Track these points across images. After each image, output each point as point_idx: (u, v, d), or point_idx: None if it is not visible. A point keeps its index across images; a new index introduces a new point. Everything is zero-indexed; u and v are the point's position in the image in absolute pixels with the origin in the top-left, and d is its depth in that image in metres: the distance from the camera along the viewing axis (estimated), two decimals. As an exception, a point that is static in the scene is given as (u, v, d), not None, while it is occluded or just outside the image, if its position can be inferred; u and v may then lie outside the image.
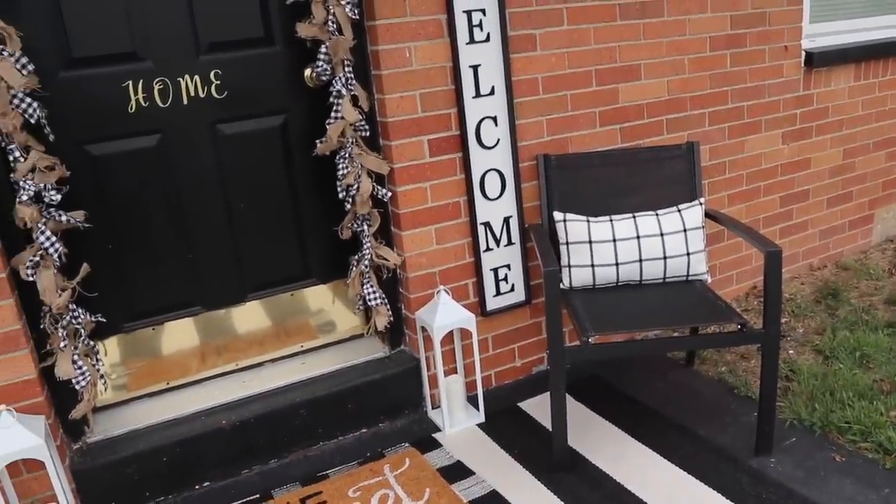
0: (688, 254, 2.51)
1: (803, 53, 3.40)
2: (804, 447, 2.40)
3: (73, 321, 2.18)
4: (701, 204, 2.58)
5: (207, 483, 2.42)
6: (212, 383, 2.61)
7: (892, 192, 4.04)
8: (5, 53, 1.92)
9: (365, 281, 2.58)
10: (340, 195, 2.49)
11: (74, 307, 2.18)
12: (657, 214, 2.56)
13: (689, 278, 2.56)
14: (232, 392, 2.56)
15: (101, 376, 2.34)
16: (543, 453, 2.45)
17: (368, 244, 2.54)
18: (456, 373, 2.76)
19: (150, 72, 2.29)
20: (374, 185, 2.48)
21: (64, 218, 2.11)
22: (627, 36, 2.85)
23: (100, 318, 2.29)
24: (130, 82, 2.27)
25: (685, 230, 2.52)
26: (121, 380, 2.49)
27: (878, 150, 3.87)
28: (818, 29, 3.54)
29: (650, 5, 2.87)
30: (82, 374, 2.20)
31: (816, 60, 3.41)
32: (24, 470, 2.13)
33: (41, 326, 2.15)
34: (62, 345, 2.14)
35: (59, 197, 2.07)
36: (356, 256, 2.59)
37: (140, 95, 2.29)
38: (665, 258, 2.51)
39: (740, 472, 2.30)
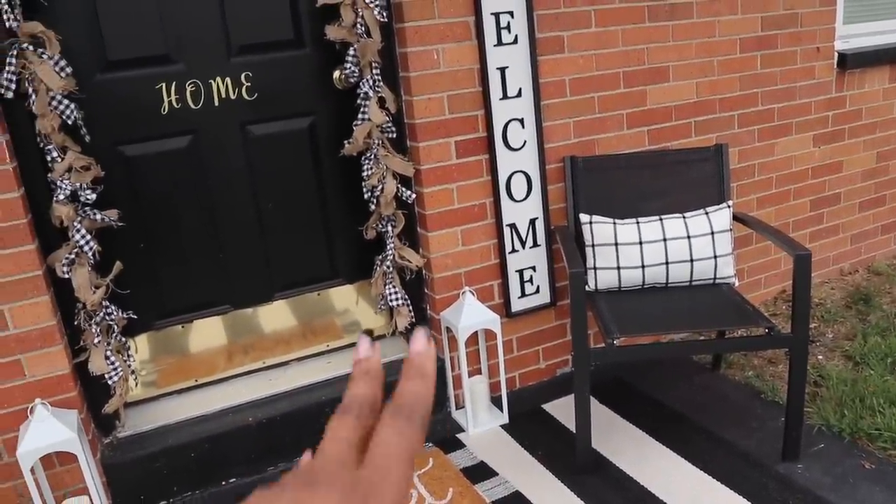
0: (715, 257, 2.50)
1: (836, 55, 3.35)
2: (832, 453, 2.38)
3: (107, 318, 2.23)
4: (729, 207, 2.57)
5: (234, 479, 2.45)
6: (239, 381, 2.65)
7: (926, 195, 3.97)
8: (45, 56, 1.97)
9: (388, 281, 2.60)
10: (365, 196, 2.52)
11: (107, 304, 2.23)
12: (684, 217, 2.55)
13: (717, 281, 2.54)
14: (259, 390, 2.60)
15: (132, 372, 2.39)
16: (567, 455, 2.45)
17: (392, 245, 2.56)
18: (480, 374, 2.77)
19: (183, 74, 2.33)
20: (398, 187, 2.50)
21: (98, 217, 2.16)
22: (656, 38, 2.84)
23: (131, 315, 2.34)
24: (164, 84, 2.31)
25: (713, 233, 2.51)
26: (151, 376, 2.54)
27: (912, 153, 3.81)
28: (852, 30, 3.49)
29: (679, 7, 2.86)
30: (114, 369, 2.25)
31: (850, 62, 3.36)
32: (56, 463, 2.18)
33: (75, 323, 2.20)
34: (95, 341, 2.19)
35: (94, 196, 2.12)
36: (380, 257, 2.61)
37: (173, 97, 2.33)
38: (692, 261, 2.49)
39: (767, 477, 2.28)
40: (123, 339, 2.33)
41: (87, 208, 2.14)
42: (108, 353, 2.23)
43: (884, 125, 3.64)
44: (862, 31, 3.54)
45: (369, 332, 2.55)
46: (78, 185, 2.08)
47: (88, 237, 2.11)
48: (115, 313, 2.25)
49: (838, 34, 3.35)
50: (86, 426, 2.22)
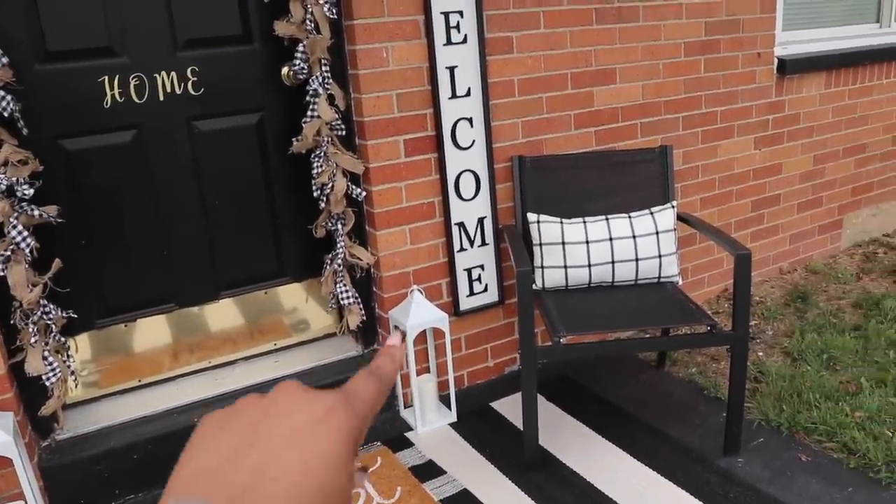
0: (659, 256, 2.55)
1: (776, 60, 3.45)
2: (771, 447, 2.45)
3: (44, 317, 2.17)
4: (673, 207, 2.62)
5: (179, 481, 2.40)
6: (185, 381, 2.61)
7: (860, 198, 4.11)
8: (-23, 46, 1.90)
9: (338, 280, 2.59)
10: (315, 194, 2.50)
11: (46, 303, 2.17)
12: (630, 217, 2.60)
13: (661, 280, 2.60)
14: (205, 390, 2.56)
15: (72, 373, 2.32)
16: (515, 453, 2.47)
17: (342, 243, 2.54)
18: (428, 372, 2.77)
19: (127, 67, 2.28)
20: (348, 185, 2.49)
21: (36, 212, 2.10)
22: (603, 40, 2.89)
23: (71, 314, 2.28)
24: (106, 77, 2.26)
25: (657, 233, 2.55)
26: (92, 377, 2.48)
27: (847, 156, 3.94)
28: (791, 37, 3.60)
29: (626, 10, 2.91)
30: (52, 370, 2.19)
31: (788, 67, 3.47)
32: (-9, 466, 2.11)
33: (11, 322, 2.14)
34: (32, 340, 2.13)
35: (31, 191, 2.06)
36: (330, 255, 2.60)
37: (116, 91, 2.28)
38: (637, 260, 2.54)
39: (709, 471, 2.33)
40: (62, 338, 2.27)
41: (24, 203, 2.07)
42: (46, 353, 2.17)
43: (820, 129, 3.76)
44: (800, 38, 3.65)
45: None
46: (14, 179, 2.02)
47: (25, 233, 2.05)
48: (53, 312, 2.19)
49: (778, 40, 3.45)
50: (22, 429, 2.16)
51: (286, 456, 0.33)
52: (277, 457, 0.33)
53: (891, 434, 2.42)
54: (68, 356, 2.30)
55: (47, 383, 2.19)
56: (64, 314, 2.25)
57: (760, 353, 3.06)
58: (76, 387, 2.41)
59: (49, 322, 2.19)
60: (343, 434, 0.35)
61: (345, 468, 0.34)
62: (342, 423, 0.36)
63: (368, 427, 0.39)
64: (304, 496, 0.32)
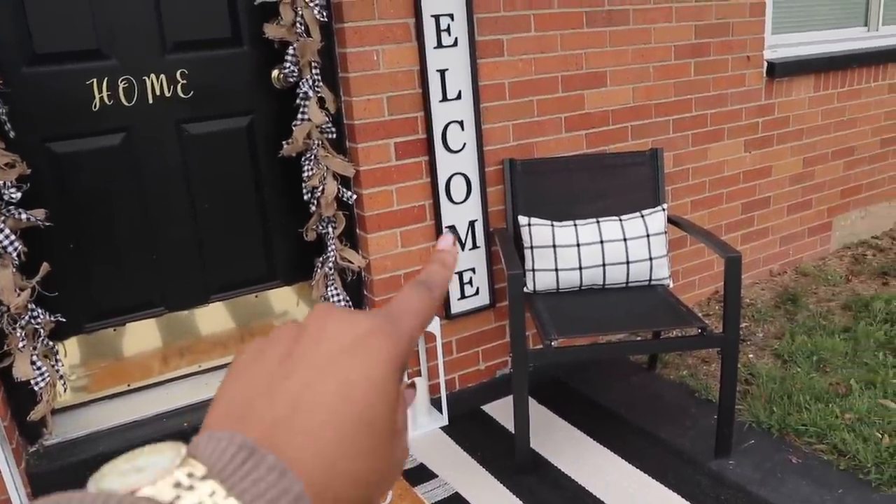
0: (650, 258, 2.55)
1: (765, 64, 3.47)
2: (762, 449, 2.45)
3: (32, 321, 2.15)
4: (664, 210, 2.62)
5: (168, 486, 2.39)
6: (175, 385, 2.59)
7: (849, 200, 4.13)
8: (-36, 49, 1.89)
9: (329, 283, 2.58)
10: (305, 197, 2.49)
11: (34, 307, 2.15)
12: (620, 220, 2.60)
13: (652, 283, 2.60)
14: (195, 394, 2.54)
15: (61, 377, 2.30)
16: (506, 456, 2.47)
17: (333, 246, 2.54)
18: (419, 376, 2.77)
19: (115, 70, 2.27)
20: (339, 188, 2.48)
21: (24, 216, 2.08)
22: (594, 43, 2.89)
23: (60, 319, 2.26)
24: (95, 80, 2.24)
25: (648, 235, 2.56)
26: (81, 381, 2.46)
27: (836, 159, 3.96)
28: (780, 40, 3.62)
29: (616, 14, 2.92)
30: (41, 375, 2.17)
31: (778, 71, 3.48)
32: (-22, 472, 2.09)
33: (-1, 326, 2.12)
34: (20, 345, 2.11)
35: (18, 195, 2.04)
36: (321, 258, 2.59)
37: (104, 93, 2.27)
38: (628, 263, 2.54)
39: (700, 474, 2.34)
40: (51, 343, 2.25)
41: (11, 207, 2.06)
42: (35, 357, 2.15)
43: (809, 132, 3.78)
44: (789, 42, 3.67)
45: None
46: (1, 182, 2.00)
47: (13, 237, 2.03)
48: (41, 316, 2.17)
49: (767, 44, 3.47)
50: (9, 434, 2.14)
51: (322, 384, 0.31)
52: (313, 386, 0.31)
53: (880, 435, 2.43)
54: (57, 361, 2.29)
55: (35, 388, 2.18)
56: (52, 318, 2.23)
57: (751, 356, 3.07)
58: (65, 391, 2.39)
59: (37, 326, 2.17)
60: (384, 357, 0.33)
61: (388, 393, 0.32)
62: (383, 346, 0.33)
63: (415, 344, 0.37)
64: (345, 425, 0.30)
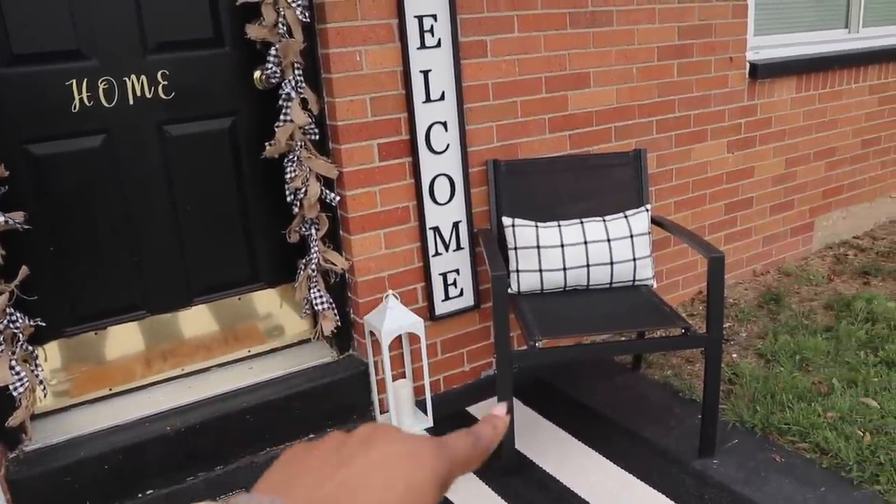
0: (634, 259, 2.56)
1: (748, 65, 3.49)
2: (746, 448, 2.46)
3: (11, 325, 2.13)
4: (647, 210, 2.63)
5: (151, 491, 2.37)
6: (157, 388, 2.57)
7: (831, 200, 4.17)
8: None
9: (312, 285, 2.57)
10: (288, 198, 2.48)
11: (12, 311, 2.13)
12: (604, 220, 2.60)
13: (636, 283, 2.61)
14: (178, 397, 2.52)
15: (41, 382, 2.28)
16: (491, 457, 2.46)
17: (316, 248, 2.52)
18: (404, 377, 2.76)
19: (95, 70, 2.25)
20: (322, 189, 2.47)
21: (2, 219, 2.06)
22: (577, 44, 2.90)
23: (39, 323, 2.23)
24: (74, 81, 2.22)
25: (632, 236, 2.56)
26: (62, 386, 2.43)
27: (818, 159, 3.99)
28: (762, 41, 3.64)
29: (600, 15, 2.92)
30: (20, 380, 2.14)
31: (760, 72, 3.50)
32: (-44, 479, 2.07)
33: (-23, 330, 2.09)
34: (-1, 349, 2.09)
35: (-4, 197, 2.02)
36: (304, 260, 2.58)
37: (84, 94, 2.25)
38: (612, 263, 2.55)
39: (684, 473, 2.34)
40: (30, 347, 2.22)
41: (-11, 210, 2.03)
42: (13, 362, 2.13)
43: (791, 133, 3.81)
44: (771, 43, 3.70)
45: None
46: (-21, 185, 1.98)
47: (-9, 240, 2.01)
48: (20, 321, 2.15)
49: (750, 45, 3.49)
50: (-11, 439, 2.11)
51: (370, 477, 0.35)
52: (364, 476, 0.35)
53: (861, 433, 2.45)
54: (36, 365, 2.26)
55: (14, 393, 2.15)
56: (32, 322, 2.20)
57: (734, 355, 3.08)
58: (45, 396, 2.36)
59: (16, 331, 2.15)
60: (429, 469, 0.37)
61: (425, 501, 0.36)
62: (429, 461, 0.37)
63: (455, 478, 0.41)
64: None
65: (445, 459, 0.39)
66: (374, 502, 0.34)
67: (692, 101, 3.33)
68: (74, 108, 2.24)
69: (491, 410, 0.49)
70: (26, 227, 2.14)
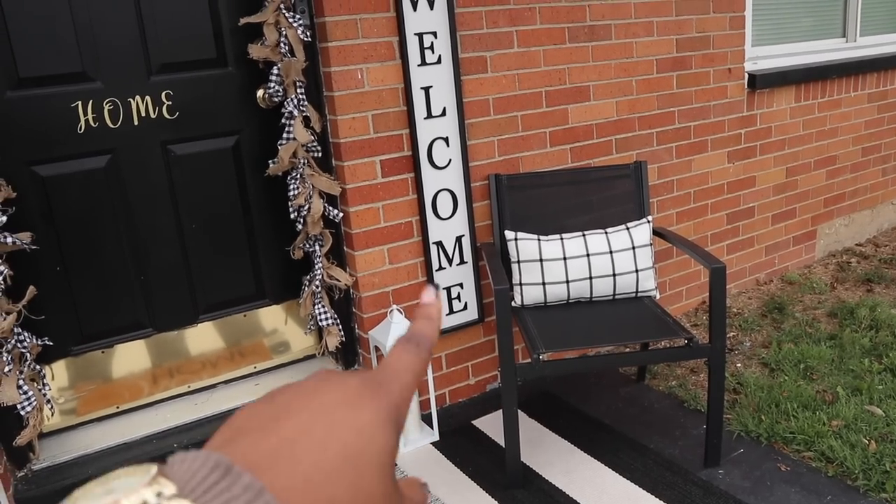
0: (636, 271, 2.57)
1: (746, 75, 3.51)
2: (751, 458, 2.46)
3: (19, 345, 2.14)
4: (649, 222, 2.64)
5: (158, 508, 2.37)
6: (164, 406, 2.58)
7: (832, 208, 4.18)
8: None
9: (317, 301, 2.58)
10: (292, 216, 2.50)
11: (20, 331, 2.15)
12: (606, 232, 2.62)
13: (639, 294, 2.62)
14: (184, 415, 2.54)
15: (48, 401, 2.30)
16: (497, 470, 2.47)
17: (320, 264, 2.54)
18: (411, 391, 2.76)
19: (100, 92, 2.28)
20: (325, 206, 2.49)
21: (9, 240, 2.08)
22: (576, 58, 2.92)
23: (46, 342, 2.25)
24: (80, 102, 2.25)
25: (634, 248, 2.58)
26: (69, 404, 2.45)
27: (818, 168, 4.00)
28: (760, 52, 3.66)
29: (598, 28, 2.95)
30: (28, 399, 2.16)
31: (759, 82, 3.52)
32: (-34, 499, 2.08)
33: (-15, 351, 2.11)
34: (7, 370, 2.10)
35: (4, 218, 2.04)
36: (308, 277, 2.60)
37: (90, 116, 2.27)
38: (614, 275, 2.56)
39: (690, 484, 2.34)
40: (38, 366, 2.24)
41: (-3, 231, 2.06)
42: (21, 381, 2.15)
43: (791, 142, 3.82)
44: (769, 54, 3.72)
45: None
46: (-13, 207, 2.00)
47: (-1, 261, 2.03)
48: (28, 340, 2.17)
49: (748, 56, 3.51)
50: (-3, 459, 2.13)
51: (313, 425, 0.34)
52: (304, 426, 0.34)
53: (867, 441, 2.45)
54: (44, 384, 2.28)
55: (22, 413, 2.17)
56: (39, 342, 2.22)
57: (739, 365, 3.09)
58: (52, 415, 2.38)
59: (24, 350, 2.16)
60: (372, 408, 0.36)
61: (376, 441, 0.35)
62: (371, 401, 0.36)
63: (410, 400, 0.39)
64: (330, 460, 0.33)
65: (389, 390, 0.38)
66: (315, 451, 0.33)
67: (692, 112, 3.35)
68: (80, 130, 2.27)
69: (421, 297, 0.47)
70: (34, 247, 2.16)
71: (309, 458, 0.32)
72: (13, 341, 2.13)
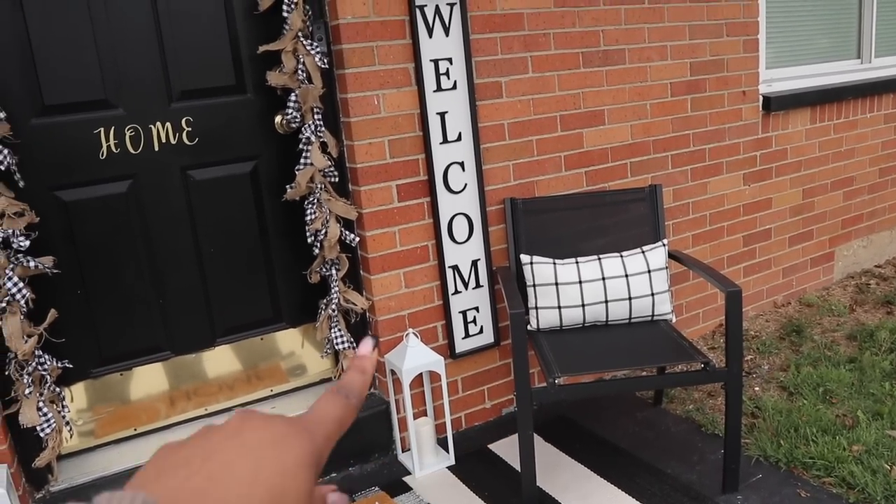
0: (652, 294, 2.57)
1: (761, 98, 3.51)
2: (770, 483, 2.44)
3: (39, 367, 2.17)
4: (664, 245, 2.64)
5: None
6: (181, 428, 2.60)
7: (850, 230, 4.15)
8: (-25, 103, 1.93)
9: (333, 325, 2.60)
10: (309, 240, 2.52)
11: (41, 353, 2.17)
12: (622, 256, 2.62)
13: (654, 318, 2.61)
14: (201, 437, 2.54)
15: (67, 423, 2.32)
16: (513, 495, 2.46)
17: (336, 288, 2.56)
18: (426, 415, 2.77)
19: (122, 118, 2.32)
20: (342, 230, 2.51)
21: (32, 264, 2.11)
22: (591, 83, 2.94)
23: (66, 364, 2.28)
24: (102, 129, 2.29)
25: (649, 271, 2.58)
26: (88, 426, 2.47)
27: (835, 189, 3.99)
28: (774, 74, 3.67)
29: (612, 53, 2.97)
30: (47, 421, 2.18)
31: (774, 104, 3.53)
32: (-14, 521, 2.10)
33: (6, 373, 2.14)
34: (27, 392, 2.13)
35: (27, 243, 2.08)
36: (325, 300, 2.61)
37: (112, 142, 2.31)
38: (630, 299, 2.56)
39: (708, 510, 2.32)
40: (57, 388, 2.26)
41: (19, 255, 2.09)
42: (41, 403, 2.17)
43: (807, 163, 3.81)
44: (784, 76, 3.72)
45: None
46: (10, 231, 2.04)
47: (21, 284, 2.06)
48: (48, 363, 2.19)
49: (762, 78, 3.52)
50: (16, 481, 2.14)
51: (238, 465, 0.35)
52: (230, 466, 0.35)
53: (889, 467, 2.42)
54: (63, 406, 2.30)
55: (41, 434, 2.19)
56: (59, 364, 2.25)
57: (757, 388, 3.06)
58: (71, 437, 2.40)
59: (44, 373, 2.19)
60: (297, 453, 0.37)
61: (298, 484, 0.36)
62: (296, 445, 0.37)
63: (331, 447, 0.41)
64: (255, 501, 0.34)
65: (313, 435, 0.39)
66: (241, 491, 0.33)
67: (707, 135, 3.35)
68: (102, 156, 2.31)
69: (358, 348, 0.47)
70: (55, 271, 2.20)
71: (235, 497, 0.33)
72: (34, 364, 2.15)
